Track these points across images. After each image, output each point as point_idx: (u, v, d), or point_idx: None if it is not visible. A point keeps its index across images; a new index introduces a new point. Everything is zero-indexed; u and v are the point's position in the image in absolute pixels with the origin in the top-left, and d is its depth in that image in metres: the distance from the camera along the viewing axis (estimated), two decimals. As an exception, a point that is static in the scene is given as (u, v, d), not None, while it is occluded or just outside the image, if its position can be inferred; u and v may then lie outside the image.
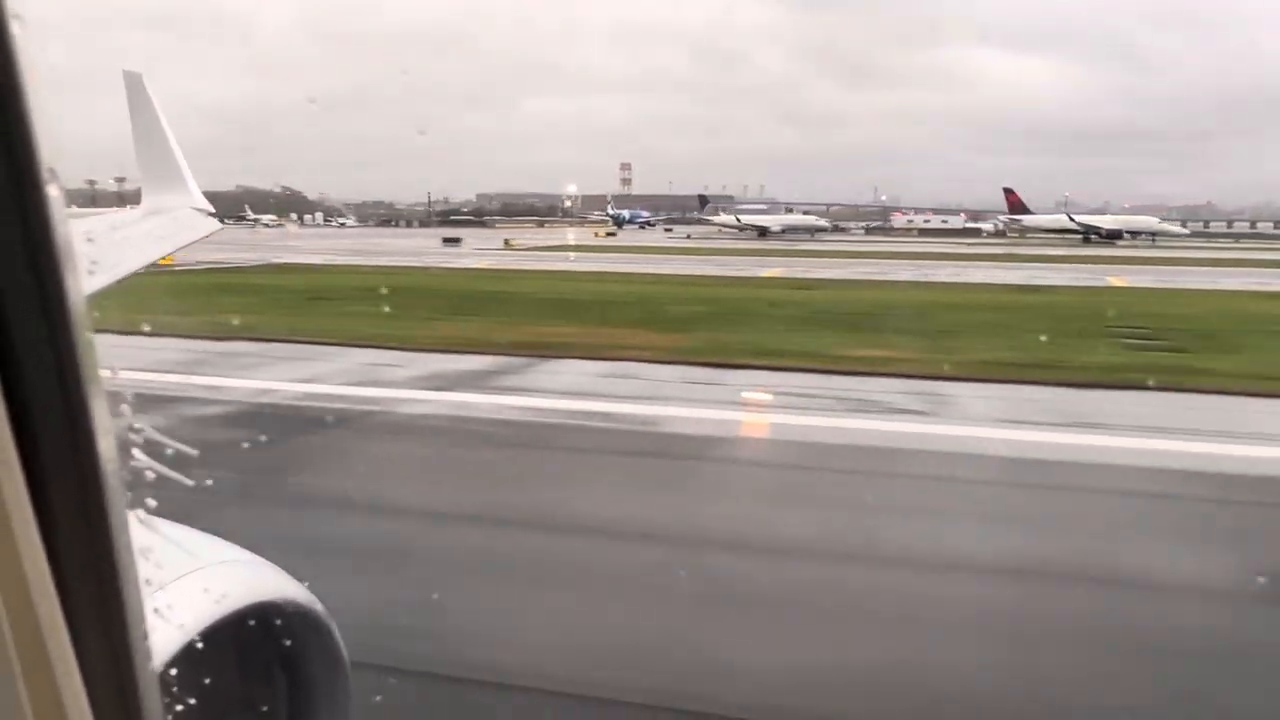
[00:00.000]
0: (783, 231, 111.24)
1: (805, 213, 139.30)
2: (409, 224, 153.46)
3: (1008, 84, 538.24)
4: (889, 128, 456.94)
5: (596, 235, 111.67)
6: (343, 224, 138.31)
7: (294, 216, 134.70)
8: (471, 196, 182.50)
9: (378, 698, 4.61)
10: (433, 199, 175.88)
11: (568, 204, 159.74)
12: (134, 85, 6.68)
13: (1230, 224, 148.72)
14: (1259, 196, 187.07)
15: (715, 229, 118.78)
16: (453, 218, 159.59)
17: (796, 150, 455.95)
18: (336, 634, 2.64)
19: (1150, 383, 17.00)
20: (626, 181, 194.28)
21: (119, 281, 3.99)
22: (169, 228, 5.83)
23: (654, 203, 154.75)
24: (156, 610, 2.02)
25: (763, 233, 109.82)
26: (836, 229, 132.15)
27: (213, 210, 6.64)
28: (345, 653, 2.67)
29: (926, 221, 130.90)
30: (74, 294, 1.12)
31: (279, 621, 2.45)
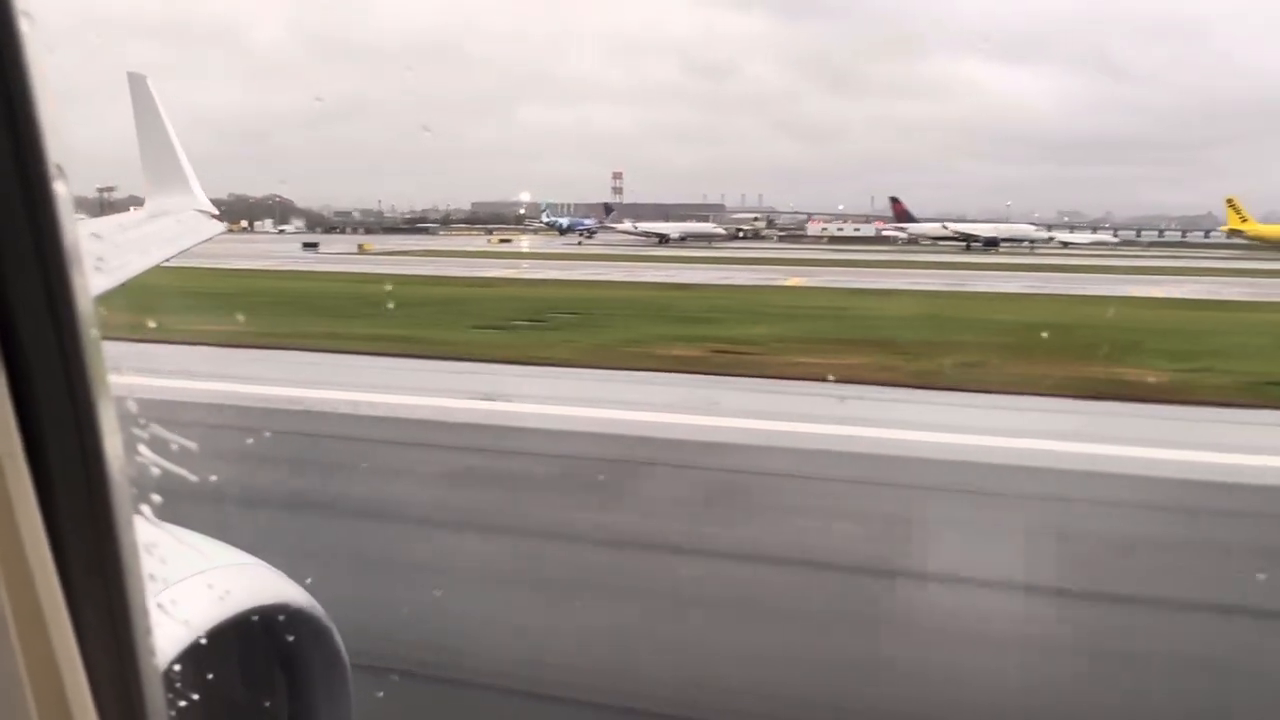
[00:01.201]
0: (682, 238, 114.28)
1: (764, 219, 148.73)
2: (353, 230, 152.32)
3: (1000, 94, 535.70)
4: (887, 138, 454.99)
5: (490, 242, 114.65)
6: (282, 230, 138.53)
7: (243, 224, 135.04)
8: (467, 205, 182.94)
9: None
10: (422, 206, 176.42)
11: (521, 211, 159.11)
12: (139, 88, 6.66)
13: (1207, 234, 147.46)
14: (1264, 208, 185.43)
15: (630, 236, 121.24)
16: (419, 225, 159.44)
17: (797, 160, 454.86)
18: (337, 637, 2.64)
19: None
20: (618, 190, 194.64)
21: (123, 284, 3.98)
22: (173, 229, 5.80)
23: (642, 212, 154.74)
24: (160, 606, 2.02)
25: (663, 239, 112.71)
26: (750, 235, 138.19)
27: (216, 212, 6.62)
28: (346, 656, 2.67)
29: (840, 230, 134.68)
30: (80, 292, 1.12)
31: (281, 623, 2.45)
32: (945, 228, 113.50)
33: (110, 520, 1.18)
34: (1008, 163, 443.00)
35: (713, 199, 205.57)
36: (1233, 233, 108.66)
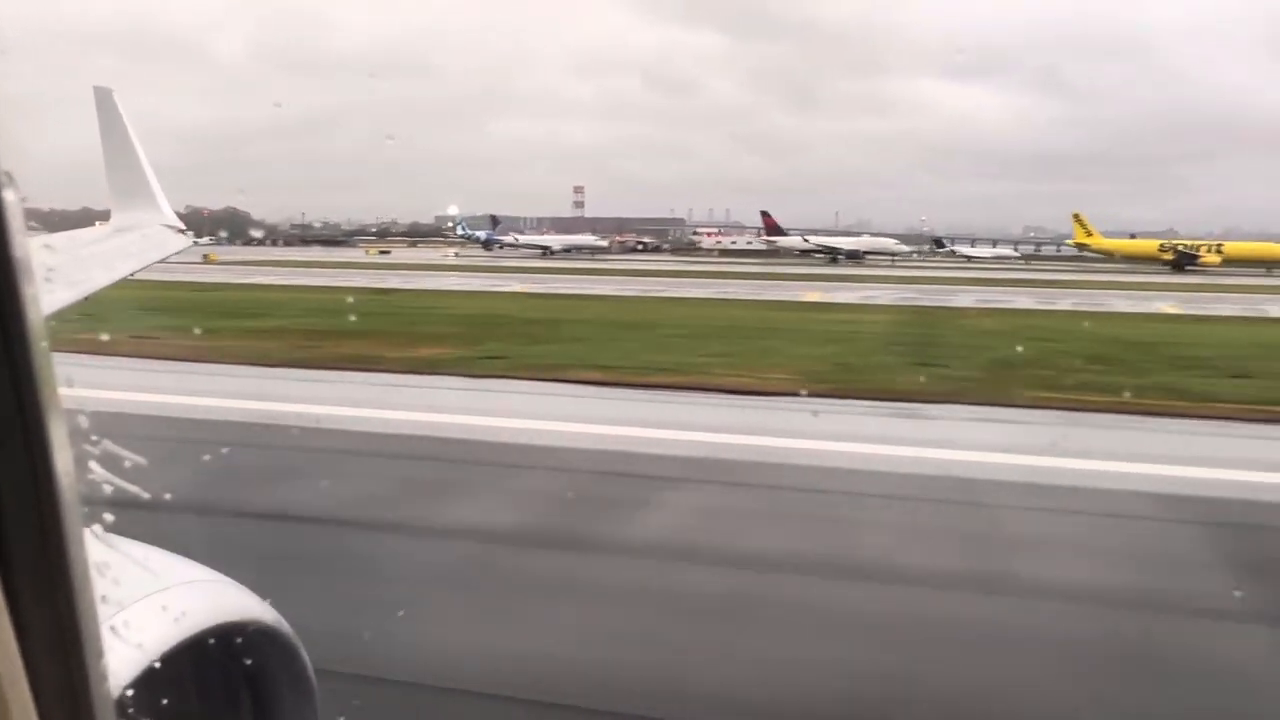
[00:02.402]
0: (567, 250, 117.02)
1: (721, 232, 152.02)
2: (274, 242, 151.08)
3: (957, 112, 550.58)
4: (850, 153, 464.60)
5: (368, 253, 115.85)
6: (196, 242, 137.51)
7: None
8: (431, 219, 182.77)
9: None
10: (382, 220, 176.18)
11: (450, 224, 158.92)
12: (104, 101, 6.57)
13: (1058, 248, 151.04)
14: (1226, 222, 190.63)
15: (514, 248, 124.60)
16: (354, 237, 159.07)
17: (764, 176, 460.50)
18: (304, 655, 2.57)
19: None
20: (579, 204, 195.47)
21: (85, 298, 3.91)
22: (138, 244, 5.72)
23: (600, 225, 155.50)
24: (113, 629, 1.96)
25: (546, 251, 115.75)
26: (652, 248, 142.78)
27: (183, 227, 6.51)
28: (313, 674, 2.60)
29: (734, 243, 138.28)
30: (30, 304, 1.09)
31: (243, 642, 2.37)
32: (805, 240, 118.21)
33: (60, 540, 1.15)
34: (972, 178, 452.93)
35: (680, 213, 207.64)
36: (1080, 246, 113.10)
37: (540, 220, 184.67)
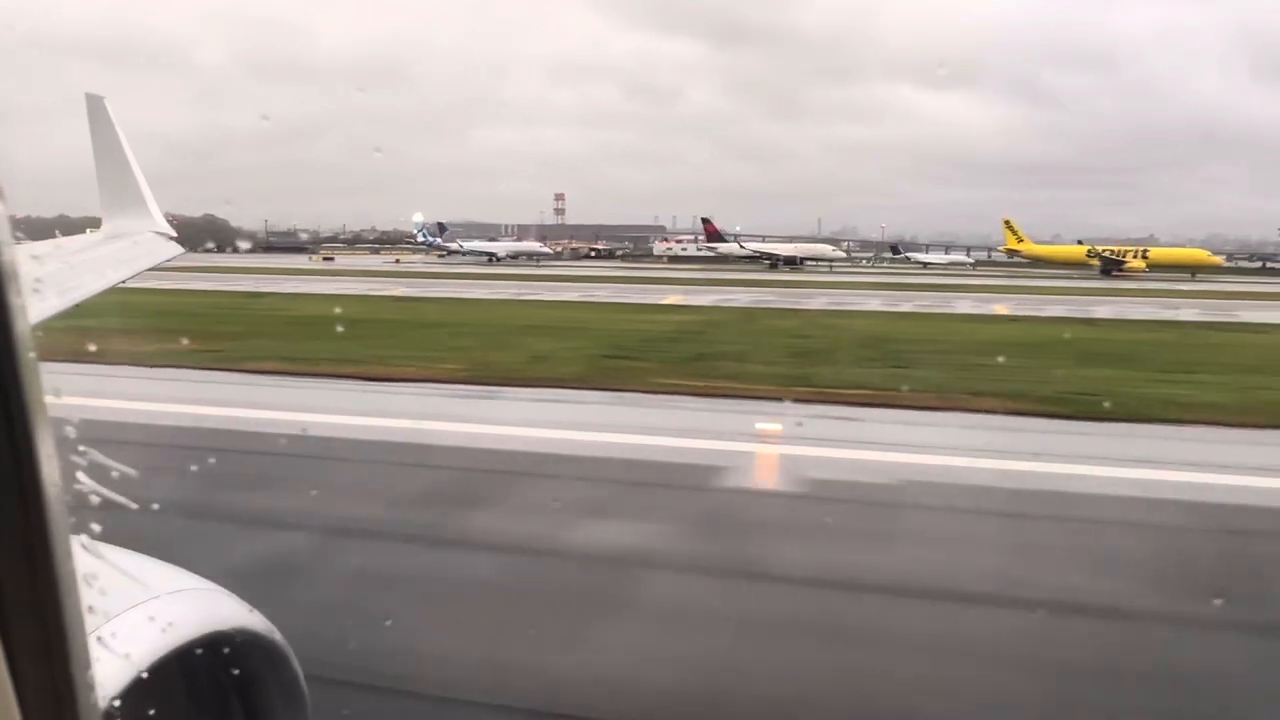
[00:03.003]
0: (514, 257, 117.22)
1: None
2: (235, 250, 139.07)
3: (937, 120, 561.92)
4: (835, 161, 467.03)
5: (311, 259, 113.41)
6: None
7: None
8: (409, 226, 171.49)
9: None
10: (359, 227, 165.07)
11: (414, 232, 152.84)
12: (96, 109, 6.38)
13: (988, 253, 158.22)
14: (1205, 230, 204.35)
15: (460, 254, 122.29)
16: (323, 245, 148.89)
17: (750, 183, 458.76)
18: (294, 663, 2.52)
19: None
20: (560, 211, 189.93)
21: (76, 305, 3.77)
22: (129, 252, 5.62)
23: (579, 233, 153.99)
24: (100, 640, 1.91)
25: (492, 258, 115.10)
26: (607, 255, 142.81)
27: (174, 234, 6.35)
28: (304, 682, 2.56)
29: (684, 250, 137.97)
30: (17, 314, 1.09)
31: (234, 651, 2.31)
32: (742, 247, 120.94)
33: (47, 551, 1.15)
34: (955, 186, 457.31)
35: (664, 220, 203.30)
36: (1010, 252, 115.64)
37: (522, 227, 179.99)
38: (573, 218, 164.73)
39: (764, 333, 33.62)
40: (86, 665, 1.22)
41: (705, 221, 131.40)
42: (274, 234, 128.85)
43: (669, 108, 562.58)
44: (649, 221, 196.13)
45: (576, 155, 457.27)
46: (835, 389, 19.63)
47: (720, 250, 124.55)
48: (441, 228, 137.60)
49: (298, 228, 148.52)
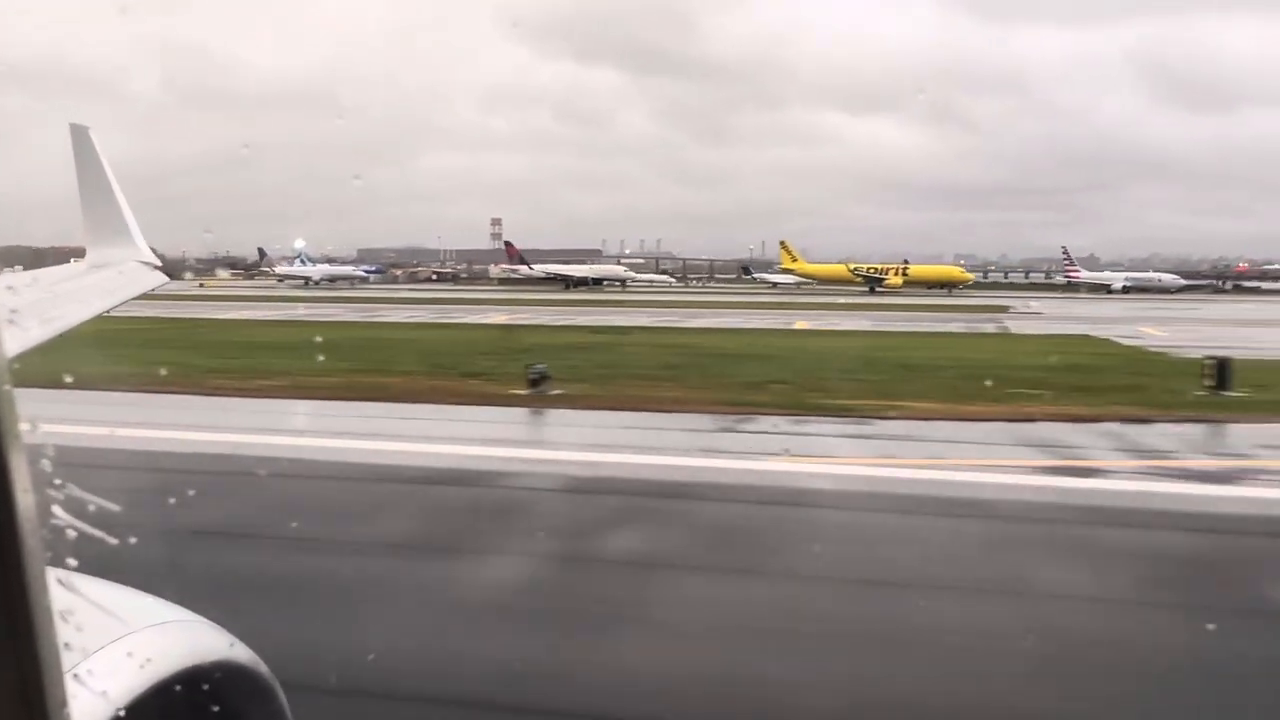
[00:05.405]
0: (332, 280, 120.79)
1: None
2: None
3: (868, 144, 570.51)
4: (777, 184, 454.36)
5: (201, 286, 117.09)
6: None
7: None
8: (353, 252, 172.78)
9: None
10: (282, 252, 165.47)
11: (295, 256, 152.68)
12: (80, 138, 6.49)
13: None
14: (1144, 250, 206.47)
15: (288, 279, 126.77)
16: (216, 269, 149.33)
17: (699, 207, 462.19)
18: (281, 697, 2.47)
19: None
20: (497, 235, 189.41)
21: (59, 335, 3.77)
22: (114, 281, 5.63)
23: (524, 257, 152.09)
24: (77, 677, 1.87)
25: (307, 282, 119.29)
26: (450, 278, 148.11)
27: (159, 264, 6.45)
28: (289, 715, 2.51)
29: (503, 272, 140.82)
30: None
31: (214, 686, 2.27)
32: (532, 269, 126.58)
33: (22, 586, 1.12)
34: (898, 208, 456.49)
35: (612, 245, 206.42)
36: (785, 271, 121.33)
37: (459, 252, 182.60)
38: (520, 241, 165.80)
39: (387, 343, 38.36)
40: (63, 704, 1.19)
41: (507, 244, 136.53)
42: (203, 261, 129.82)
43: (604, 132, 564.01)
44: (596, 245, 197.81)
45: (521, 179, 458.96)
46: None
47: (521, 272, 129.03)
48: (261, 254, 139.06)
49: (230, 254, 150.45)
